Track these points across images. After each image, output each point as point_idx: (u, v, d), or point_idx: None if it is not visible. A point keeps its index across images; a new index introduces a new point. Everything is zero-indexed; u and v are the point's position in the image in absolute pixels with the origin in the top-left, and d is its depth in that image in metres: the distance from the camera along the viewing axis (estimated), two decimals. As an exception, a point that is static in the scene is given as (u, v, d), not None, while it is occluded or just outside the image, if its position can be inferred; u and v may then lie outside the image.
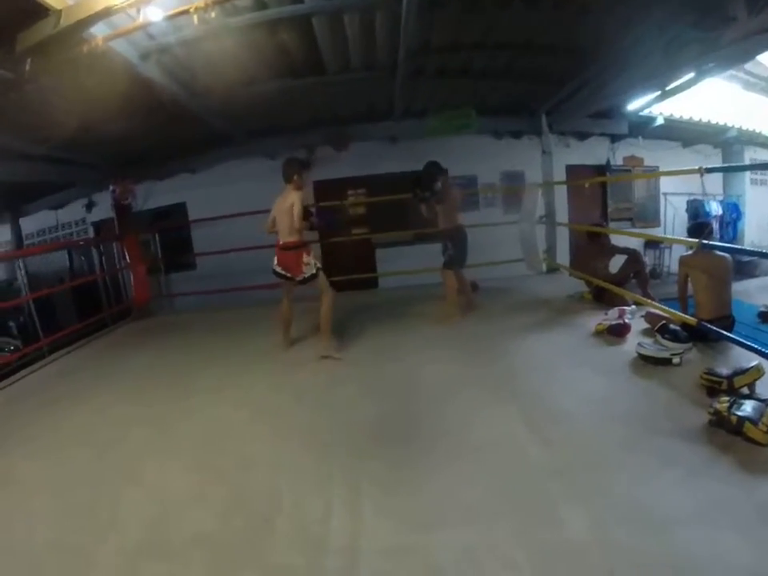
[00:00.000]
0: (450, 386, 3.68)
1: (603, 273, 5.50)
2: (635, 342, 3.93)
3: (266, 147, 8.37)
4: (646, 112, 8.49)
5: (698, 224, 4.60)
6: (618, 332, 4.27)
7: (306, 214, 4.52)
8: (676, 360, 3.50)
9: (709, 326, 3.65)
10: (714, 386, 3.01)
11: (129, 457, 3.09)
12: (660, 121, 8.74)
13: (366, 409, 3.43)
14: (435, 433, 3.01)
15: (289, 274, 4.51)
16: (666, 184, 10.25)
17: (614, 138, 9.50)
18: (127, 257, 7.60)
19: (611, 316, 4.60)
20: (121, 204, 7.94)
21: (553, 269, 7.01)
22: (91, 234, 10.10)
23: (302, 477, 2.69)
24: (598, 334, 4.37)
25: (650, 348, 3.64)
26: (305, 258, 4.43)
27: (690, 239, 4.16)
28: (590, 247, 5.77)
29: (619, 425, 2.87)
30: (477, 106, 7.65)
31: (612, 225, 9.74)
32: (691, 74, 5.77)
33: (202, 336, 5.99)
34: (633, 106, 8.06)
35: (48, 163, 7.75)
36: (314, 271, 4.47)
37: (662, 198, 10.33)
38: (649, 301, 4.61)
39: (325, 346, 4.53)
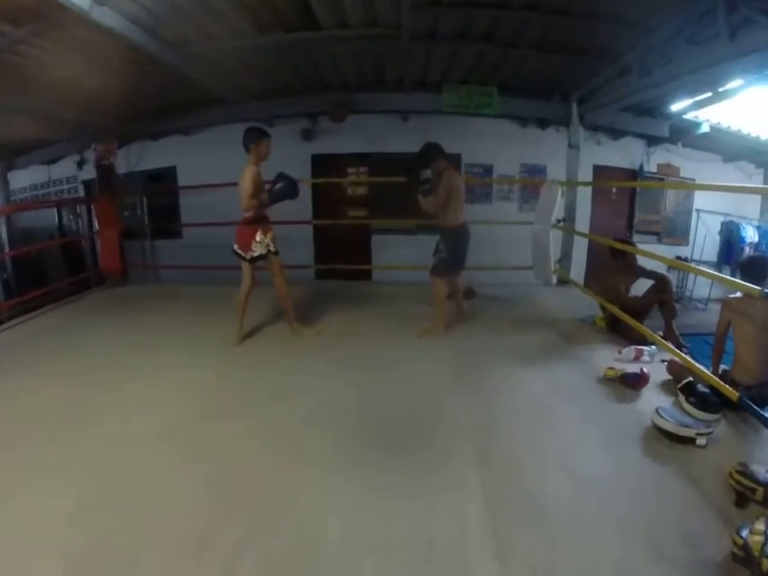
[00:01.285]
0: (402, 429, 2.84)
1: (623, 297, 4.45)
2: (652, 398, 3.12)
3: (263, 111, 7.43)
4: (690, 116, 7.38)
5: (757, 260, 3.49)
6: (632, 383, 3.29)
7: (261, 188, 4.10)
8: (701, 441, 2.52)
9: (752, 404, 2.64)
10: (745, 493, 2.10)
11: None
12: (705, 128, 7.64)
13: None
14: (344, 526, 2.06)
15: (240, 251, 4.19)
16: (700, 200, 9.14)
17: (651, 141, 8.41)
18: (96, 221, 6.97)
19: (626, 356, 3.74)
20: (101, 164, 7.17)
21: (564, 282, 5.99)
22: (82, 192, 9.42)
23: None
24: (608, 379, 3.39)
25: (670, 419, 2.62)
26: (258, 236, 4.13)
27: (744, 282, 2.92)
28: (612, 264, 4.71)
29: (613, 537, 1.94)
30: (500, 85, 6.62)
31: (636, 237, 8.67)
32: (752, 75, 4.69)
33: (164, 313, 5.44)
34: (677, 106, 6.94)
35: (38, 119, 7.27)
36: (264, 252, 4.17)
37: (694, 214, 9.17)
38: (672, 347, 3.57)
39: (292, 325, 4.49)
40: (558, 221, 5.67)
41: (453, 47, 5.62)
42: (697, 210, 9.17)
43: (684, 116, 7.39)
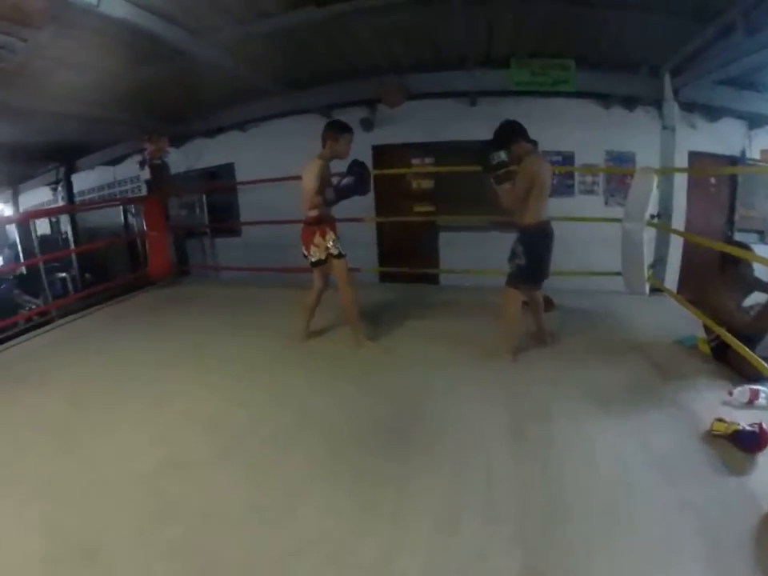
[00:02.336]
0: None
1: (734, 316, 3.29)
2: None
3: (315, 101, 6.72)
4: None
5: None
6: (747, 446, 2.32)
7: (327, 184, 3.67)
8: None
9: None
10: None
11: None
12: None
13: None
14: None
15: (304, 252, 3.80)
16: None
17: (753, 123, 6.98)
18: (144, 222, 6.56)
19: (738, 399, 2.79)
20: (152, 163, 6.99)
21: (657, 290, 4.85)
22: (145, 191, 9.17)
23: None
24: (715, 435, 2.43)
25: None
26: (316, 239, 3.67)
27: None
28: (723, 275, 3.59)
29: None
30: (578, 58, 5.53)
31: (738, 237, 7.32)
32: None
33: (213, 316, 5.02)
34: None
35: (89, 122, 7.09)
36: (323, 256, 3.70)
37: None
38: None
39: (357, 337, 3.88)
40: (653, 216, 4.55)
41: (516, 11, 4.60)
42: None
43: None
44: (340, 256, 3.69)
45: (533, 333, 3.77)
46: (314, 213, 3.63)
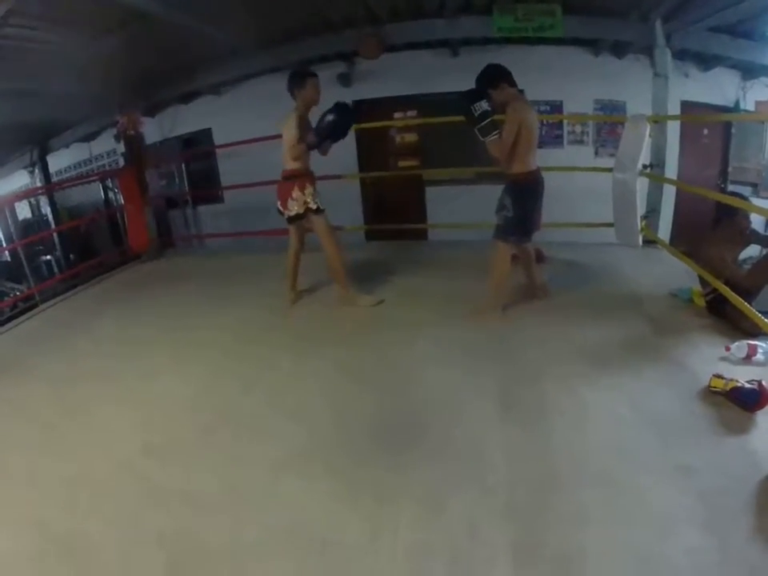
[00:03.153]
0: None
1: (731, 270, 3.15)
2: None
3: (290, 57, 6.33)
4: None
5: None
6: (746, 404, 2.20)
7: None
8: None
9: None
10: None
11: None
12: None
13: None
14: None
15: (280, 209, 3.67)
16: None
17: (747, 74, 6.78)
18: (122, 196, 6.43)
19: (735, 354, 2.65)
20: (127, 136, 6.65)
21: (650, 241, 4.68)
22: (122, 164, 8.64)
23: None
24: (714, 392, 2.32)
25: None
26: (294, 193, 3.52)
27: None
28: (719, 227, 3.40)
29: None
30: (565, 3, 5.20)
31: (731, 189, 7.15)
32: None
33: (197, 288, 4.77)
34: None
35: (57, 99, 6.78)
36: (301, 210, 3.55)
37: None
38: None
39: (346, 294, 3.77)
40: (645, 167, 4.34)
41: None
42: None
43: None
44: (319, 210, 3.57)
45: (524, 287, 3.62)
46: (291, 166, 3.52)
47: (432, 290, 3.94)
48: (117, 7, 4.18)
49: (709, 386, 2.35)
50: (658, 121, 4.81)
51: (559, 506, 1.76)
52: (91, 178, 9.01)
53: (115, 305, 4.52)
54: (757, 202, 6.76)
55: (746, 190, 7.15)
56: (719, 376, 2.34)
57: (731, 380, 2.28)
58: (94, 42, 5.04)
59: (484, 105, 3.04)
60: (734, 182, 7.31)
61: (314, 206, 3.54)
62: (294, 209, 3.54)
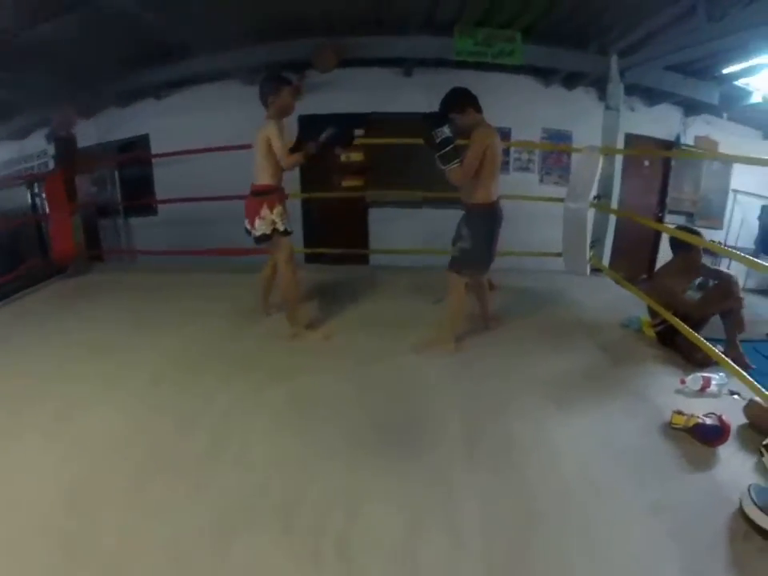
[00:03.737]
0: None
1: (681, 302, 3.25)
2: (731, 459, 2.14)
3: (237, 63, 6.16)
4: (741, 82, 6.05)
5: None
6: (709, 439, 2.22)
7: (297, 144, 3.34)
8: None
9: None
10: None
11: None
12: (756, 98, 6.27)
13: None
14: None
15: (247, 227, 3.35)
16: (737, 179, 7.97)
17: (689, 111, 7.21)
18: (46, 203, 5.88)
19: (691, 386, 2.72)
20: (59, 136, 6.22)
21: (596, 269, 4.76)
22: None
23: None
24: (675, 428, 2.31)
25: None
26: (263, 211, 3.22)
27: None
28: (672, 260, 3.51)
29: None
30: (525, 30, 5.27)
31: (669, 218, 7.62)
32: None
33: (122, 310, 4.15)
34: (730, 68, 5.62)
35: None
36: (268, 231, 3.24)
37: (730, 194, 8.03)
38: (747, 377, 2.45)
39: (293, 326, 3.42)
40: (596, 197, 4.41)
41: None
42: (734, 190, 8.01)
43: (735, 82, 6.06)
44: (286, 233, 3.30)
45: (476, 316, 3.49)
46: (264, 181, 3.24)
47: (380, 318, 3.72)
48: None
49: (671, 423, 2.33)
50: (609, 153, 4.90)
51: (538, 547, 1.65)
52: (15, 181, 8.39)
53: (37, 324, 3.96)
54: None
55: (681, 219, 7.57)
56: (679, 412, 2.33)
57: (692, 416, 2.28)
58: (28, 28, 4.68)
59: (446, 131, 2.87)
60: (672, 212, 7.70)
61: (282, 228, 3.28)
62: (261, 229, 3.24)
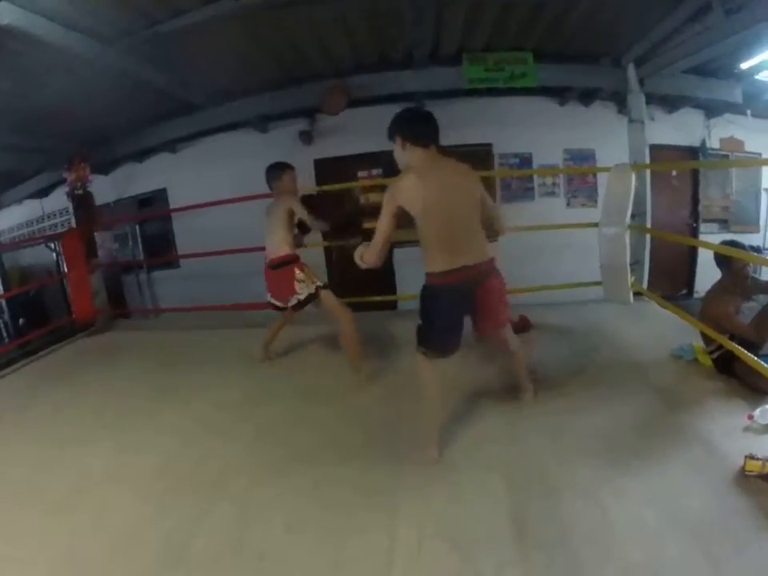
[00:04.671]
0: None
1: (736, 324, 2.89)
2: None
3: (248, 112, 6.09)
4: (762, 75, 5.70)
5: None
6: None
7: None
8: None
9: None
10: None
11: None
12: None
13: None
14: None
15: (280, 303, 3.52)
16: (768, 178, 7.51)
17: (710, 112, 6.86)
18: (64, 261, 5.92)
19: (759, 421, 2.34)
20: (74, 194, 6.20)
21: (637, 293, 4.40)
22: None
23: None
24: (749, 475, 1.99)
25: None
26: (298, 275, 3.37)
27: None
28: (719, 280, 3.13)
29: None
30: (535, 51, 5.05)
31: (703, 227, 7.24)
32: None
33: (143, 372, 4.05)
34: (749, 63, 5.27)
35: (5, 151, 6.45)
36: (312, 290, 3.36)
37: (763, 195, 7.52)
38: None
39: (357, 374, 3.37)
40: (633, 217, 4.08)
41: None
42: (766, 189, 7.50)
43: (756, 76, 5.71)
44: (326, 286, 3.43)
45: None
46: (285, 251, 3.41)
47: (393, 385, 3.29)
48: (58, 52, 3.84)
49: (744, 470, 2.01)
50: (640, 169, 4.54)
51: None
52: (34, 241, 8.44)
53: (52, 389, 3.89)
54: (729, 237, 6.80)
55: (715, 227, 7.16)
56: (753, 457, 2.02)
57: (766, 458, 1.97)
58: (34, 91, 4.67)
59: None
60: (706, 221, 7.30)
61: (321, 283, 3.42)
62: (305, 290, 3.36)
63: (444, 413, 2.58)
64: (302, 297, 3.36)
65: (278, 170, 3.51)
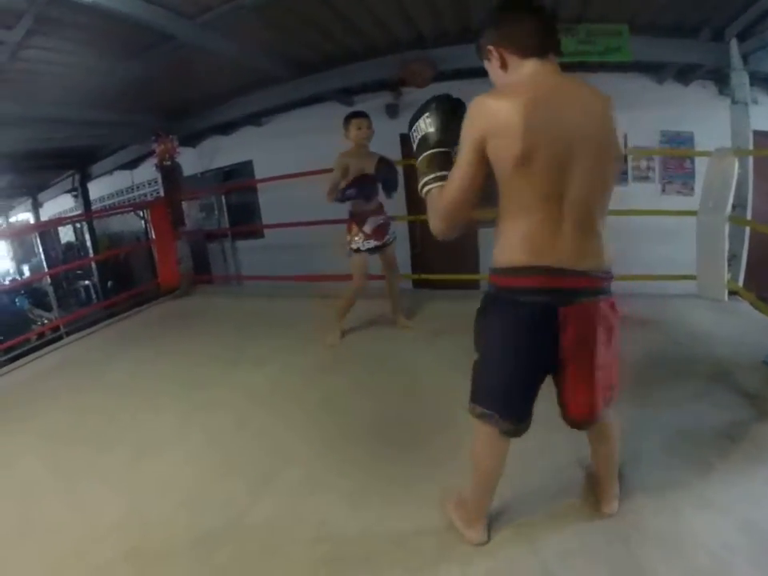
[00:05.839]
0: None
1: None
2: None
3: (335, 85, 5.99)
4: None
5: None
6: None
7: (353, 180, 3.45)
8: None
9: None
10: None
11: None
12: None
13: None
14: None
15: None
16: None
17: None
18: (152, 228, 6.21)
19: None
20: (163, 165, 6.56)
21: (732, 292, 4.06)
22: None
23: None
24: None
25: None
26: (347, 235, 3.64)
27: None
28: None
29: None
30: (628, 23, 4.61)
31: None
32: None
33: (220, 337, 4.26)
34: None
35: (91, 126, 6.75)
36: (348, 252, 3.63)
37: None
38: None
39: (325, 333, 3.74)
40: (734, 207, 3.74)
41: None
42: None
43: None
44: (358, 251, 3.59)
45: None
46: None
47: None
48: (139, 27, 3.89)
49: None
50: (743, 155, 4.15)
51: None
52: (124, 209, 8.90)
53: (134, 347, 4.18)
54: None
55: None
56: None
57: None
58: (119, 67, 4.80)
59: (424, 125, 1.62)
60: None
61: (355, 247, 3.60)
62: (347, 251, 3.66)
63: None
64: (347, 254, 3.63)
65: (345, 120, 3.56)
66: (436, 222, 1.54)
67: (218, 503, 2.08)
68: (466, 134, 1.40)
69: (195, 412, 2.91)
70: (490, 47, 1.48)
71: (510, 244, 1.44)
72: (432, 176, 1.54)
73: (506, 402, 1.51)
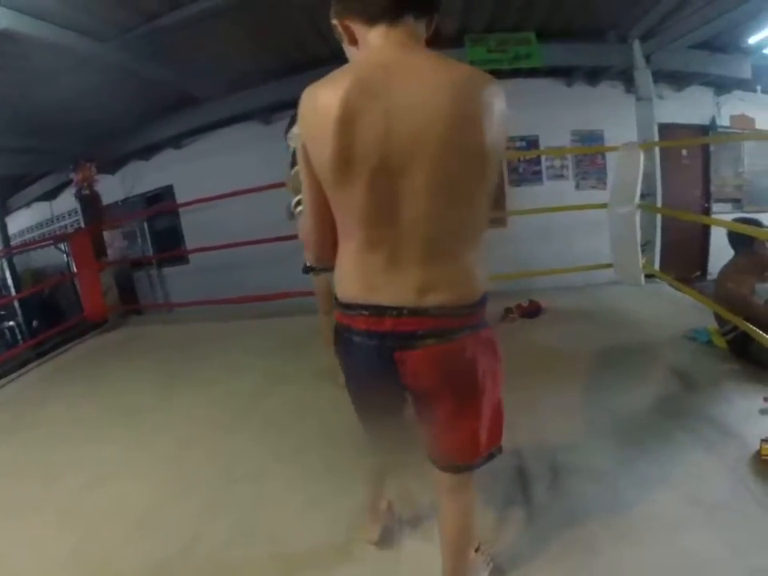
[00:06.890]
0: None
1: (751, 304, 2.78)
2: None
3: (255, 104, 5.97)
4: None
5: None
6: None
7: None
8: None
9: None
10: None
11: None
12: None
13: None
14: None
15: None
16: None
17: (719, 90, 6.65)
18: (73, 261, 6.03)
19: None
20: (81, 194, 6.29)
21: (649, 275, 4.30)
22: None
23: None
24: (766, 459, 1.93)
25: None
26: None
27: None
28: (734, 259, 3.04)
29: None
30: (537, 30, 4.85)
31: (715, 207, 6.99)
32: None
33: (159, 365, 4.04)
34: (756, 37, 5.12)
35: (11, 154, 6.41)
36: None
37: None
38: None
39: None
40: (643, 197, 3.98)
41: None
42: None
43: (765, 50, 5.51)
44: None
45: None
46: None
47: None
48: (54, 51, 3.77)
49: (760, 455, 1.95)
50: (649, 147, 4.45)
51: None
52: (42, 243, 8.44)
53: (69, 383, 3.95)
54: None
55: (728, 207, 6.97)
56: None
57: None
58: (37, 93, 4.60)
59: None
60: (718, 201, 7.08)
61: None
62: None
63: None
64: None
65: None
66: (308, 249, 1.28)
67: (170, 530, 2.00)
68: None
69: (139, 439, 2.80)
70: (334, 21, 1.10)
71: (341, 274, 1.14)
72: (300, 197, 1.23)
73: (368, 436, 1.43)
